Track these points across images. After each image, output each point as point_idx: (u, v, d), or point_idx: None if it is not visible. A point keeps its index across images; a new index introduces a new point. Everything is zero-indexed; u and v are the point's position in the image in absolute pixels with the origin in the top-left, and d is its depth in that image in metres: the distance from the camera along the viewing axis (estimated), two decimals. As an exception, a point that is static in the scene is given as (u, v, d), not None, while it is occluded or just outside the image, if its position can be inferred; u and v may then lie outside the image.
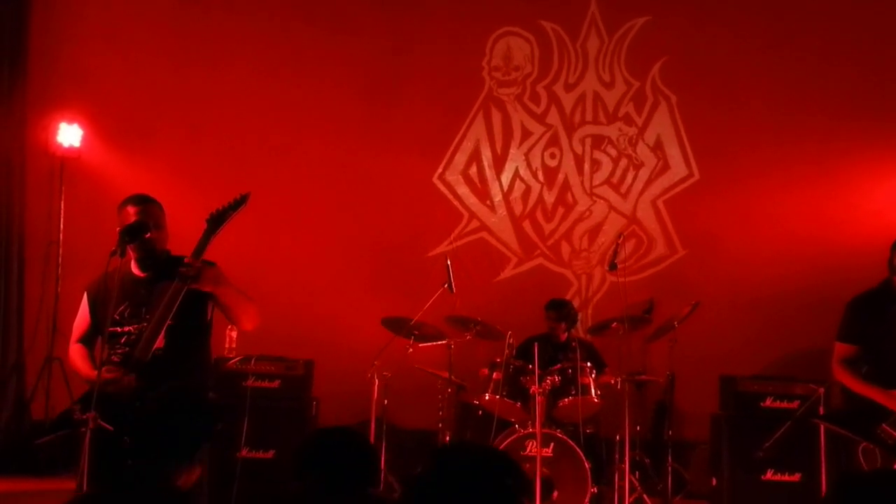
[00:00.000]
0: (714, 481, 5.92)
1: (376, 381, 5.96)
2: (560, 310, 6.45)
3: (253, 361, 5.89)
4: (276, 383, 5.96)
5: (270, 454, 5.73)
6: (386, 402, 6.07)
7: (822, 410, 5.44)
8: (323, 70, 7.56)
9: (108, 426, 3.61)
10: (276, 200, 7.13)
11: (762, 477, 5.56)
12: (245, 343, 6.01)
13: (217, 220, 3.90)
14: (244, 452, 5.47)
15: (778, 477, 5.56)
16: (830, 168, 7.26)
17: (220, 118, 7.50)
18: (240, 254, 6.86)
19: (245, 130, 7.49)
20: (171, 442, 2.98)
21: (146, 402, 3.60)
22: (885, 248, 5.09)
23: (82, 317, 4.08)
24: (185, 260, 3.82)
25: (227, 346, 6.01)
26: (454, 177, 7.65)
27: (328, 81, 7.55)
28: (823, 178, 7.27)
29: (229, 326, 5.89)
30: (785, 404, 5.64)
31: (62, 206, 7.28)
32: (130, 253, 3.98)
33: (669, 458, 5.98)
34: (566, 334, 6.44)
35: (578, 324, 6.94)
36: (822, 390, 5.46)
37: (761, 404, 5.72)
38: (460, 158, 7.65)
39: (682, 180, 7.56)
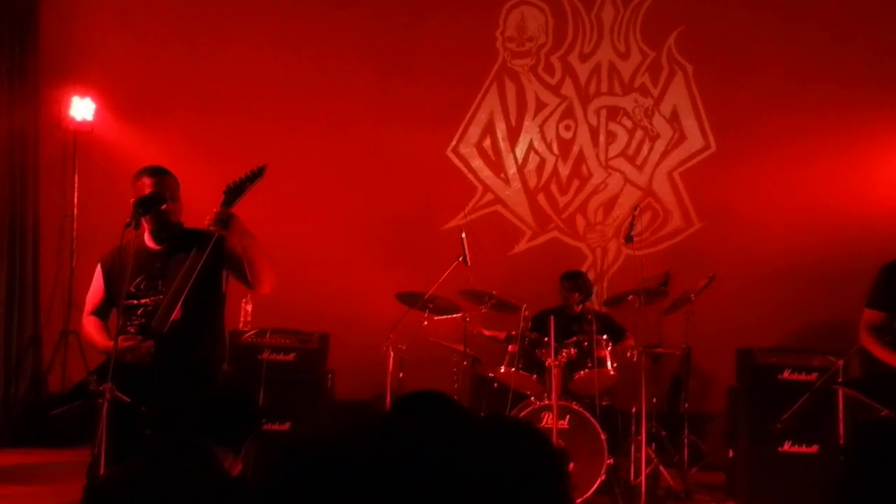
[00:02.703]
0: (731, 453, 5.90)
1: (391, 354, 5.95)
2: (574, 279, 6.42)
3: (268, 334, 5.90)
4: (292, 356, 5.96)
5: (286, 426, 5.74)
6: (401, 375, 6.07)
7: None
8: (335, 43, 7.51)
9: (124, 397, 3.61)
10: (290, 174, 7.08)
11: (779, 449, 5.53)
12: (260, 316, 6.02)
13: (235, 191, 3.88)
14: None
15: (795, 449, 5.52)
16: (848, 138, 7.17)
17: (233, 92, 7.47)
18: (255, 228, 6.87)
19: (257, 104, 7.45)
20: (216, 428, 2.99)
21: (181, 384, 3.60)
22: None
23: (96, 289, 4.07)
24: (214, 210, 3.80)
25: (242, 319, 6.01)
26: (468, 149, 7.60)
27: (341, 54, 7.50)
28: (841, 148, 7.18)
29: (244, 299, 5.89)
30: (803, 376, 5.60)
31: (76, 180, 7.28)
32: (145, 225, 3.96)
33: (686, 430, 5.96)
34: (581, 306, 6.41)
35: (594, 297, 6.90)
36: (840, 363, 5.42)
37: (779, 376, 5.67)
38: (474, 131, 7.59)
39: (699, 152, 7.48)
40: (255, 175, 3.88)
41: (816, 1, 7.36)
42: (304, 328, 6.10)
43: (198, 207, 4.02)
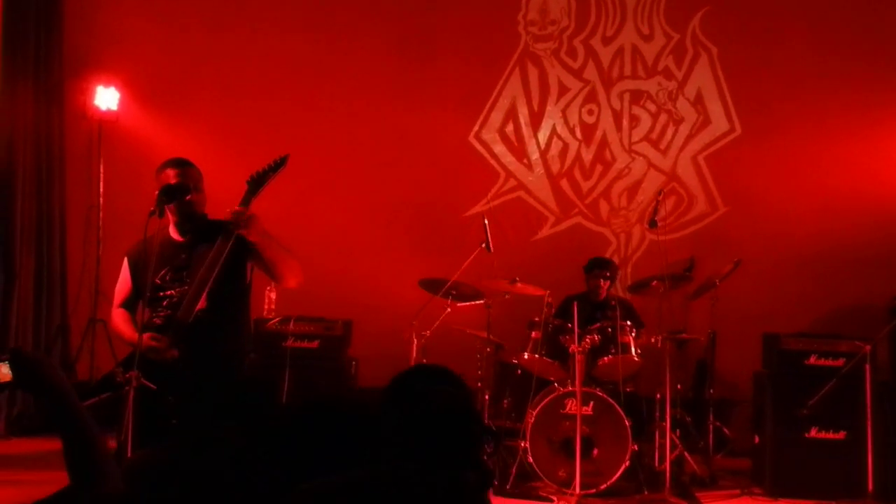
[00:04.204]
0: (756, 439, 5.87)
1: (415, 341, 5.96)
2: (605, 268, 6.40)
3: (292, 322, 5.93)
4: (315, 343, 5.99)
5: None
6: (424, 361, 6.08)
7: (868, 368, 5.34)
8: (357, 28, 7.50)
9: (151, 385, 3.64)
10: (313, 161, 7.11)
11: (806, 435, 5.50)
12: (284, 304, 6.05)
13: (258, 182, 3.90)
14: (285, 412, 5.52)
15: (822, 435, 5.49)
16: (876, 119, 7.07)
17: (256, 79, 7.48)
18: (278, 216, 6.87)
19: (280, 91, 7.47)
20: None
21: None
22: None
23: (123, 282, 4.10)
24: (234, 209, 3.82)
25: (266, 307, 6.05)
26: (490, 135, 7.57)
27: (362, 39, 7.49)
28: (868, 130, 7.08)
29: (268, 287, 5.93)
30: (830, 362, 5.55)
31: (101, 170, 7.34)
32: (169, 216, 3.99)
33: (711, 416, 5.93)
34: (606, 293, 6.39)
35: (618, 282, 6.87)
36: (868, 348, 5.36)
37: (805, 362, 5.63)
38: (496, 116, 7.56)
39: (724, 135, 7.41)
40: (278, 165, 3.89)
41: (842, -19, 7.24)
42: (328, 315, 6.13)
43: (223, 196, 4.04)
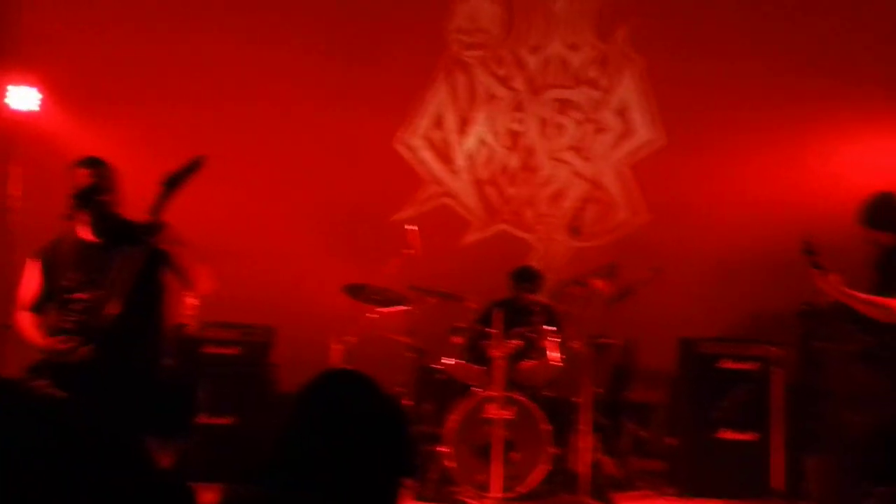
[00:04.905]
0: (671, 441, 6.01)
1: (338, 347, 5.95)
2: (534, 279, 6.49)
3: (211, 328, 5.87)
4: (235, 350, 5.96)
5: (229, 420, 5.73)
6: (347, 367, 6.07)
7: (777, 371, 5.52)
8: (284, 31, 7.46)
9: (59, 392, 3.58)
10: (237, 164, 7.05)
11: (718, 436, 5.65)
12: (203, 309, 5.97)
13: (172, 184, 3.86)
14: (202, 418, 5.47)
15: (733, 436, 5.65)
16: (795, 131, 7.27)
17: (182, 81, 7.38)
18: (199, 218, 6.77)
19: (205, 93, 7.38)
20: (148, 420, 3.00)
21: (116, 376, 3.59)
22: (844, 212, 5.14)
23: (30, 284, 4.03)
24: (142, 219, 3.79)
25: (184, 312, 5.96)
26: (417, 141, 7.61)
27: (289, 42, 7.45)
28: (787, 141, 7.29)
29: (187, 292, 5.85)
30: (742, 365, 5.72)
31: (16, 173, 7.15)
32: (82, 218, 3.93)
33: (628, 419, 6.05)
34: (530, 300, 6.47)
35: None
36: (777, 352, 5.54)
37: (719, 365, 5.78)
38: (423, 122, 7.60)
39: (647, 144, 7.57)
40: (193, 167, 3.86)
41: (765, -5, 7.45)
42: (250, 321, 6.08)
43: (144, 198, 3.99)
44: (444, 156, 7.61)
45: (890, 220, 4.66)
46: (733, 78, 7.36)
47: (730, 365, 5.75)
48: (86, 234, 3.97)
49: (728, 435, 5.64)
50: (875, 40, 7.26)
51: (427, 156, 7.61)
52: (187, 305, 5.90)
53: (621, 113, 7.58)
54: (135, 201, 4.02)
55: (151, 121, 7.29)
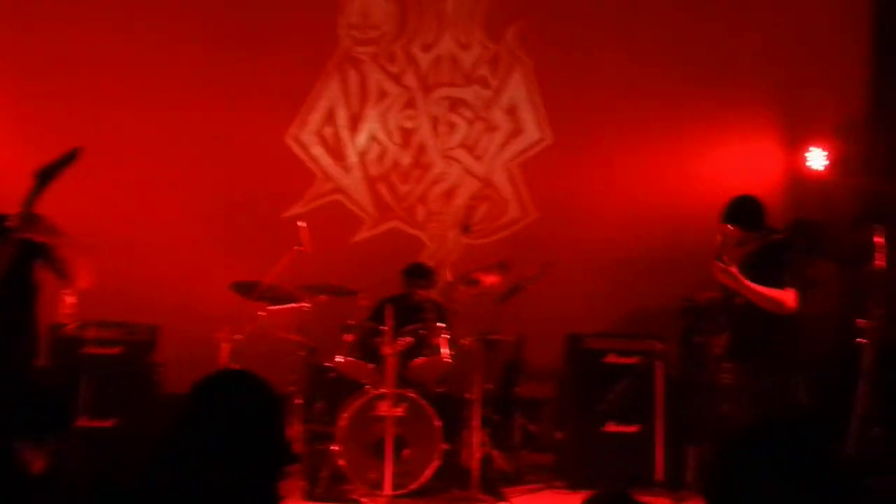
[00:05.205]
0: (559, 435, 6.14)
1: (225, 345, 5.83)
2: (427, 276, 6.51)
3: (92, 327, 5.66)
4: (118, 349, 5.76)
5: (111, 423, 5.53)
6: (235, 366, 5.95)
7: (659, 365, 5.71)
8: (170, 20, 7.24)
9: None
10: (120, 157, 6.82)
11: (603, 429, 5.80)
12: (84, 308, 5.74)
13: (45, 176, 3.72)
14: (83, 421, 5.27)
15: (618, 428, 5.82)
16: (677, 130, 7.52)
17: (59, 72, 7.06)
18: (80, 212, 6.53)
19: (87, 84, 7.09)
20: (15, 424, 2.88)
21: None
22: (718, 213, 5.36)
23: None
24: (15, 212, 3.64)
25: (62, 311, 5.72)
26: (308, 136, 7.52)
27: (176, 33, 7.24)
28: (669, 140, 7.53)
29: (65, 290, 5.60)
30: (626, 360, 5.89)
31: None
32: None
33: (518, 414, 6.15)
34: (422, 297, 6.49)
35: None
36: (660, 346, 5.73)
37: (604, 360, 5.94)
38: (315, 118, 7.52)
39: (536, 143, 7.70)
40: (68, 158, 3.74)
41: (653, -4, 7.68)
42: (133, 319, 5.89)
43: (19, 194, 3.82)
44: (336, 152, 7.55)
45: (750, 219, 4.89)
46: (617, 79, 7.57)
47: (615, 359, 5.91)
48: (-49, 229, 3.76)
49: (613, 428, 5.80)
50: (753, 46, 7.60)
51: (318, 152, 7.53)
52: (65, 303, 5.67)
53: (511, 112, 7.69)
54: (8, 194, 3.85)
55: (26, 113, 6.96)
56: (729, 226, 4.80)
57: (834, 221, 7.25)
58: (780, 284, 4.77)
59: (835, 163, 7.35)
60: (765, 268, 4.80)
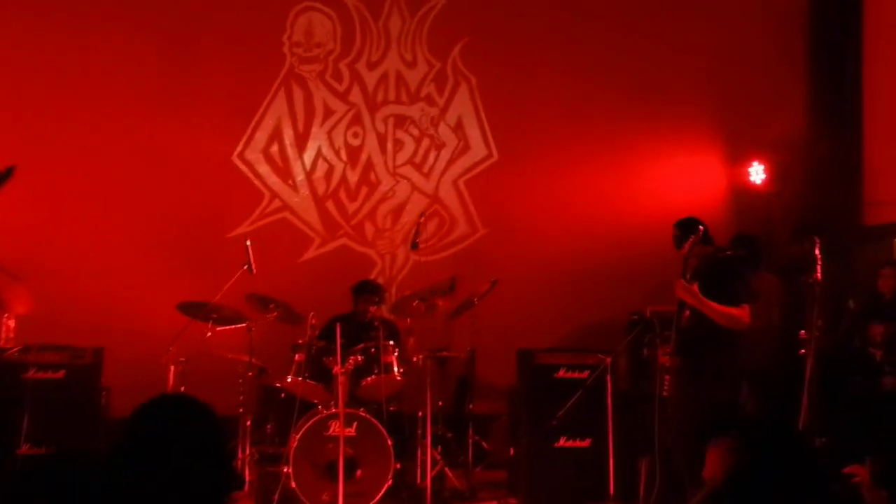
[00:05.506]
0: (512, 451, 6.15)
1: (172, 367, 5.72)
2: (376, 292, 6.49)
3: (34, 351, 5.50)
4: (61, 374, 5.59)
5: (55, 450, 5.36)
6: (182, 388, 5.83)
7: (608, 379, 5.76)
8: (112, 35, 7.13)
9: None
10: (63, 176, 6.68)
11: (556, 444, 5.83)
12: (25, 332, 5.60)
13: None
14: (25, 449, 5.10)
15: (570, 443, 5.85)
16: (618, 149, 7.66)
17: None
18: (18, 234, 6.38)
19: (25, 97, 6.95)
20: None
21: None
22: (662, 227, 5.46)
23: None
24: None
25: (3, 335, 5.56)
26: (255, 155, 7.45)
27: (118, 50, 7.13)
28: (610, 159, 7.67)
29: (6, 314, 5.46)
30: (576, 374, 5.92)
31: None
32: None
33: (470, 431, 6.14)
34: (372, 315, 6.46)
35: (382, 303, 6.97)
36: (609, 360, 5.78)
37: (556, 375, 5.97)
38: (261, 136, 7.46)
39: (482, 160, 7.75)
40: (2, 177, 3.64)
41: (593, 16, 7.79)
42: (76, 343, 5.73)
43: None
44: (283, 170, 7.49)
45: (704, 235, 5.06)
46: (562, 97, 7.68)
47: (566, 374, 5.95)
48: None
49: (565, 443, 5.83)
50: (694, 64, 7.79)
51: (265, 170, 7.47)
52: (5, 328, 5.52)
53: (457, 129, 7.73)
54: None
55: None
56: (691, 238, 4.96)
57: (774, 233, 7.43)
58: (733, 301, 4.91)
59: (774, 177, 7.54)
60: (717, 285, 4.94)
